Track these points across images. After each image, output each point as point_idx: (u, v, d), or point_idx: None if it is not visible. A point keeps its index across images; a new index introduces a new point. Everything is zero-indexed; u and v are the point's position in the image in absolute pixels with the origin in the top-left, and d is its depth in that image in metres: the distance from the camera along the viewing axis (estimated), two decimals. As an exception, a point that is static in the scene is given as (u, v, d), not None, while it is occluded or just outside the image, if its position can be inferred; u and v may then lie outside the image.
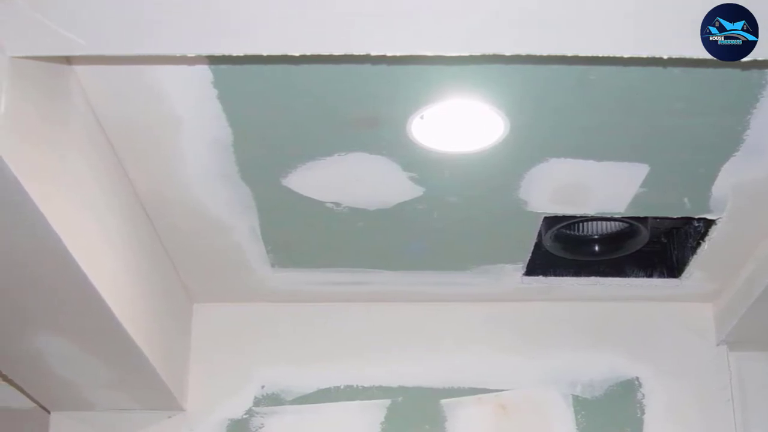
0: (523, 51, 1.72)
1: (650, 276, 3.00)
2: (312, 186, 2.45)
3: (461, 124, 2.22)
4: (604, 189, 2.47)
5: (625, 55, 1.72)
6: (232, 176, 2.40)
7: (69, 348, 2.50)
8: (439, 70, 2.01)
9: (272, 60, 1.85)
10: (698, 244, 2.78)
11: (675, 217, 2.66)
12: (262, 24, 1.68)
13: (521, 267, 2.93)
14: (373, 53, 1.73)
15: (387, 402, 3.08)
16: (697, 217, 2.63)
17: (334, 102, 2.11)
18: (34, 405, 3.19)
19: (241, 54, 1.75)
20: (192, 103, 2.11)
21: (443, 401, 3.08)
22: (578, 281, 3.01)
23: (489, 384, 3.10)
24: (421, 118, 2.16)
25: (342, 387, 3.10)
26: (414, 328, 3.15)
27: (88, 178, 2.12)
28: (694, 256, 2.84)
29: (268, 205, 2.55)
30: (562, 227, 2.73)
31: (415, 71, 2.01)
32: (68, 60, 1.96)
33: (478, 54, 1.74)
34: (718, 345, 3.12)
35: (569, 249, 2.86)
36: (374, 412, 3.07)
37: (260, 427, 3.05)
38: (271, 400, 3.08)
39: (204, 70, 2.01)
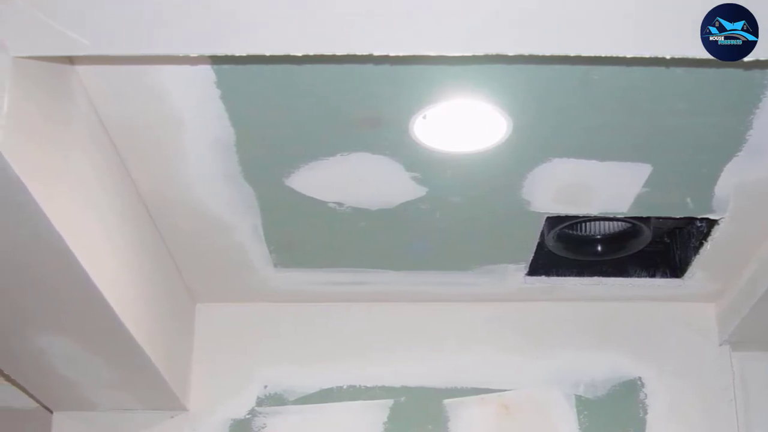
0: (524, 51, 1.72)
1: (653, 276, 3.00)
2: (315, 186, 2.45)
3: (464, 124, 2.22)
4: (607, 189, 2.47)
5: (627, 55, 1.72)
6: (234, 176, 2.40)
7: (71, 348, 2.50)
8: (442, 70, 2.01)
9: (275, 60, 1.84)
10: (701, 244, 2.78)
11: (678, 217, 2.66)
12: (265, 24, 1.68)
13: (524, 267, 2.93)
14: (376, 53, 1.73)
15: (390, 402, 3.08)
16: (699, 217, 2.63)
17: (337, 102, 2.11)
18: (37, 405, 3.18)
19: (244, 54, 1.75)
20: (194, 103, 2.11)
21: (446, 401, 3.08)
22: (581, 281, 3.01)
23: (492, 384, 3.10)
24: (424, 118, 2.16)
25: (345, 387, 3.09)
26: (417, 328, 3.15)
27: (91, 178, 2.12)
28: (697, 256, 2.83)
29: (271, 205, 2.55)
30: (565, 227, 2.73)
31: (417, 71, 2.01)
32: (71, 60, 1.96)
33: (478, 54, 1.74)
34: (720, 345, 3.11)
35: (572, 249, 2.86)
36: (377, 412, 3.06)
37: (263, 427, 3.05)
38: (274, 400, 3.08)
39: (206, 70, 2.01)
